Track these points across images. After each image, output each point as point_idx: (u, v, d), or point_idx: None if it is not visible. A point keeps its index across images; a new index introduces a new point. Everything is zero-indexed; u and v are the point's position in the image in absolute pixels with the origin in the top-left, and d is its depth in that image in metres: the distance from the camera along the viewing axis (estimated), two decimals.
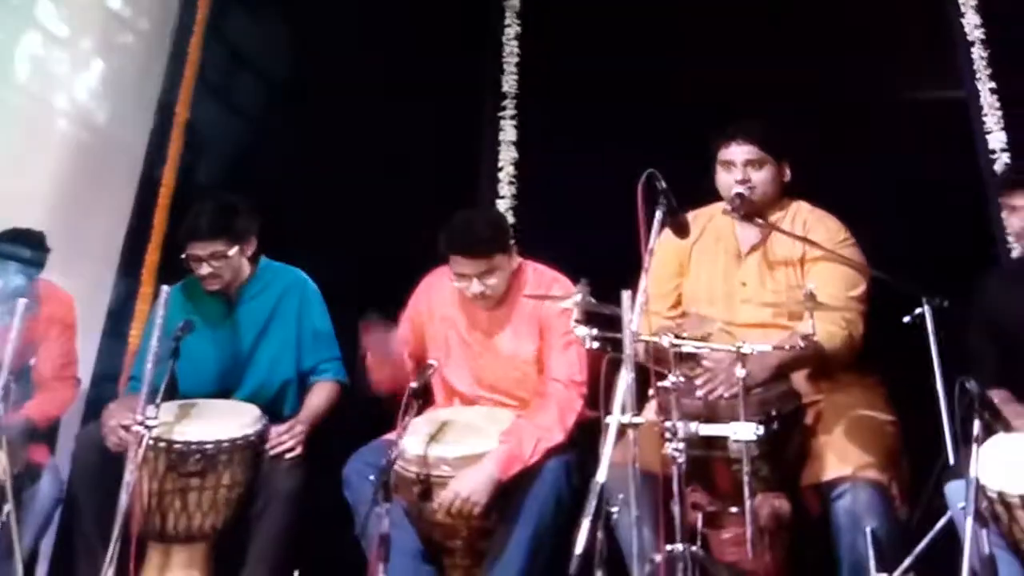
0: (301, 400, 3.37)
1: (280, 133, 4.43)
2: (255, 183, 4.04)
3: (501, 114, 4.51)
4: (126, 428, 2.97)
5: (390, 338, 3.12)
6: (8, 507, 2.99)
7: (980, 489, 2.43)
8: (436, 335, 3.31)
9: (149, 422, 2.81)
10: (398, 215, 4.07)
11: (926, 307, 3.06)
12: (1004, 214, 2.98)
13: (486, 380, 3.25)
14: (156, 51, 4.54)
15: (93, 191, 4.17)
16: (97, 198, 4.19)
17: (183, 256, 3.30)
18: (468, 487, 2.85)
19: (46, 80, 4.19)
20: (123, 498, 2.74)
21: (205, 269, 3.28)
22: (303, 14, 4.68)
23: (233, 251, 3.30)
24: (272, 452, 3.12)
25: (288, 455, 3.14)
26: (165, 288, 3.09)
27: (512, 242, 3.21)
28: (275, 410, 3.33)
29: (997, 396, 2.72)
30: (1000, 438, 2.68)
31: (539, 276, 3.27)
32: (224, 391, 3.35)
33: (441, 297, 3.32)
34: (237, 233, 3.32)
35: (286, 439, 3.15)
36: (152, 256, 4.13)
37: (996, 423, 2.67)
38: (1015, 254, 3.49)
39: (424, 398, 3.04)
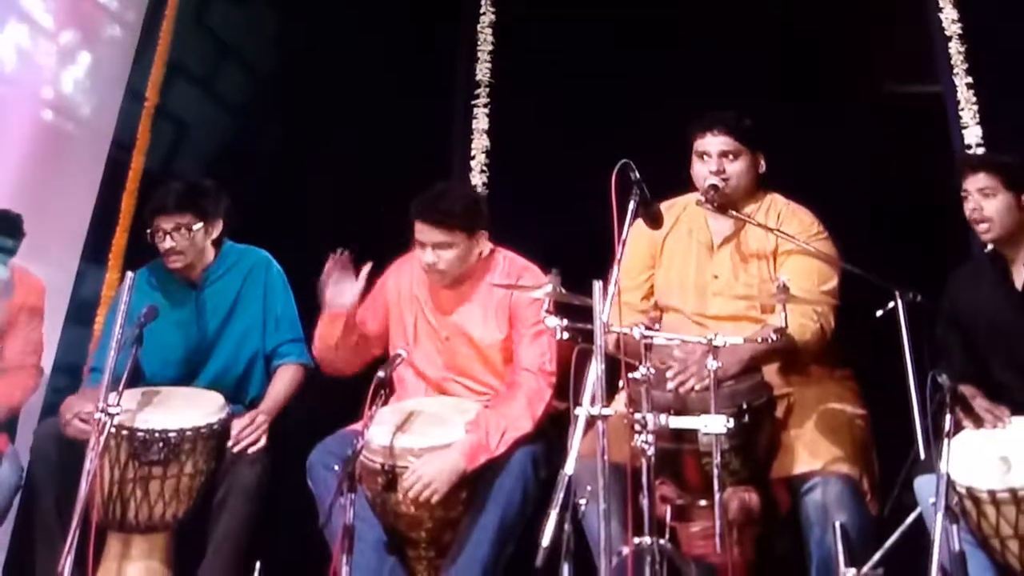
0: (267, 380, 3.33)
1: (258, 121, 4.41)
2: (233, 170, 4.01)
3: (474, 102, 4.49)
4: (84, 420, 2.91)
5: (350, 284, 3.07)
6: None
7: (950, 484, 2.42)
8: (402, 317, 3.28)
9: (111, 410, 2.76)
10: (370, 203, 4.04)
11: (899, 301, 3.06)
12: (964, 201, 2.93)
13: (452, 364, 3.22)
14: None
15: (72, 178, 4.15)
16: (76, 185, 4.16)
17: (148, 231, 3.25)
18: (431, 473, 2.83)
19: (31, 71, 4.17)
20: (83, 487, 2.69)
21: (168, 243, 3.24)
22: (285, 2, 4.66)
23: (198, 227, 3.26)
24: (236, 448, 3.07)
25: (252, 448, 3.09)
26: (129, 274, 3.04)
27: (482, 226, 3.16)
28: (241, 392, 3.31)
29: (967, 391, 2.71)
30: (969, 433, 2.68)
31: (510, 264, 3.24)
32: (189, 373, 3.31)
33: (410, 279, 3.29)
34: (204, 210, 3.28)
35: (248, 432, 3.10)
36: (119, 242, 4.08)
37: (966, 419, 2.67)
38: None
39: (390, 388, 2.99)
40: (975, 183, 2.88)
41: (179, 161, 4.36)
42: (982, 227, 2.90)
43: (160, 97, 4.38)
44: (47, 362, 3.66)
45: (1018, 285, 2.91)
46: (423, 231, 3.09)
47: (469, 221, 3.11)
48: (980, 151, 3.89)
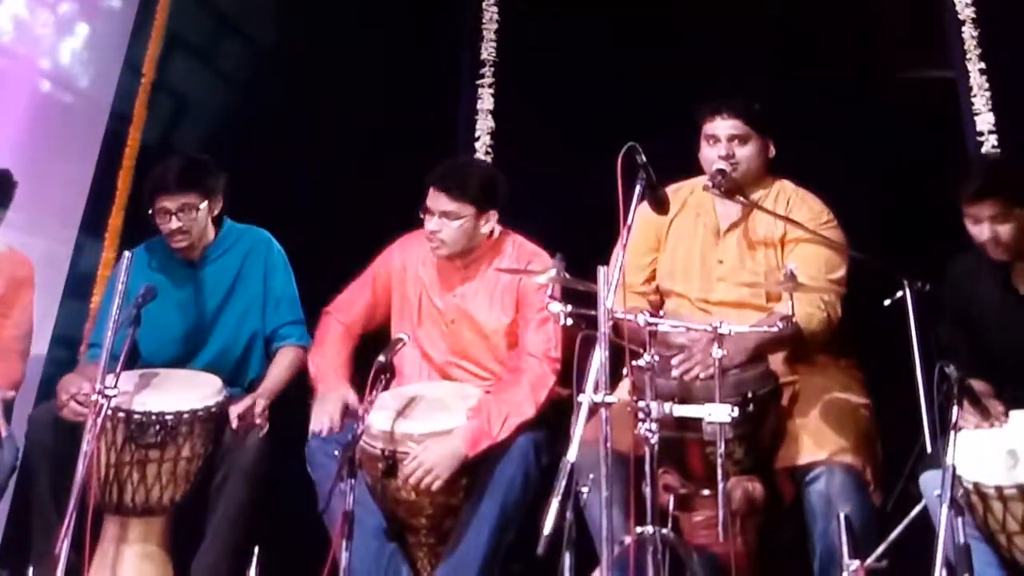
0: (267, 362, 3.31)
1: (260, 99, 4.37)
2: (232, 145, 3.98)
3: (479, 82, 4.43)
4: (81, 402, 2.88)
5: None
6: None
7: (956, 478, 2.40)
8: (406, 296, 3.25)
9: (108, 391, 2.73)
10: (372, 184, 4.00)
11: (907, 290, 3.02)
12: (967, 223, 2.76)
13: (456, 348, 3.19)
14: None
15: (70, 150, 4.12)
16: (75, 156, 4.12)
17: (150, 211, 3.20)
18: (432, 459, 2.80)
19: (29, 42, 4.14)
20: (79, 469, 2.67)
21: (174, 223, 3.19)
22: None
23: (203, 205, 3.22)
24: (235, 429, 3.03)
25: (250, 432, 3.06)
26: (127, 253, 3.01)
27: (493, 206, 3.13)
28: (239, 374, 3.28)
29: (978, 386, 2.67)
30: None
31: (518, 249, 3.21)
32: (188, 354, 3.28)
33: (416, 257, 3.26)
34: (207, 188, 3.24)
35: (247, 416, 3.06)
36: (115, 220, 4.04)
37: (970, 412, 2.63)
38: None
39: (391, 372, 2.96)
40: (986, 210, 2.73)
41: (178, 135, 4.32)
42: (998, 250, 2.76)
43: (158, 71, 4.33)
44: (45, 336, 3.64)
45: (1021, 290, 2.83)
46: (434, 197, 3.07)
47: (481, 197, 3.09)
48: (992, 139, 3.85)
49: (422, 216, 3.11)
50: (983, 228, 2.75)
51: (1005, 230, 2.74)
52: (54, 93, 4.20)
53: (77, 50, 4.30)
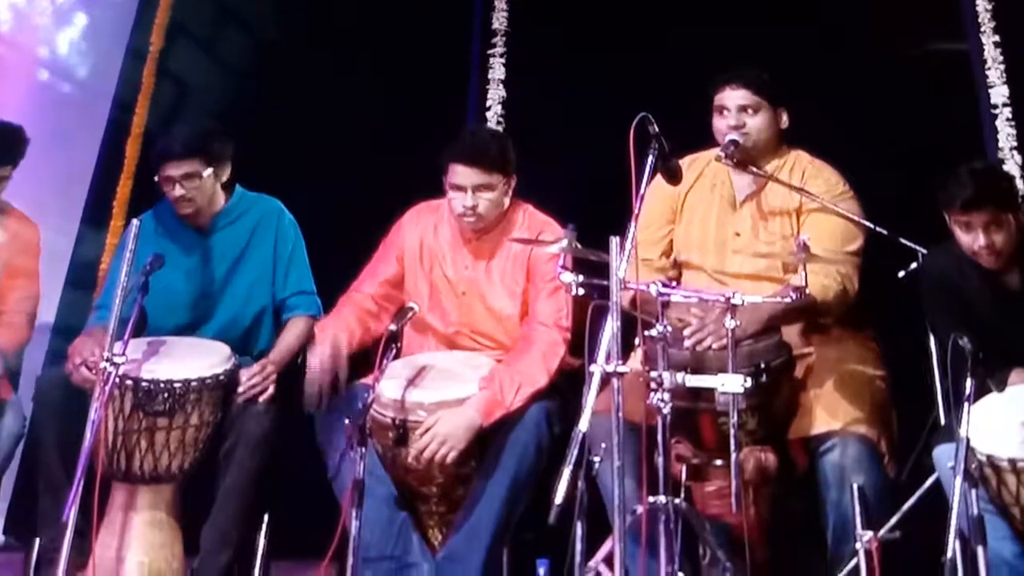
0: (276, 333, 3.29)
1: (265, 77, 4.38)
2: (238, 125, 3.93)
3: (490, 52, 4.40)
4: (90, 368, 2.87)
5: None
6: None
7: (970, 451, 2.39)
8: (416, 267, 3.23)
9: (116, 359, 2.71)
10: (384, 155, 3.98)
11: (922, 262, 3.00)
12: (957, 230, 2.71)
13: (466, 319, 3.17)
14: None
15: (69, 139, 4.12)
16: (74, 146, 4.12)
17: (156, 179, 3.18)
18: (446, 430, 2.78)
19: (27, 31, 4.16)
20: (87, 437, 2.65)
21: (178, 191, 3.17)
22: None
23: (207, 172, 3.19)
24: (243, 396, 3.01)
25: (260, 397, 3.04)
26: (135, 222, 2.99)
27: (513, 171, 3.13)
28: (248, 344, 3.26)
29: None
30: (991, 399, 2.63)
31: (530, 218, 3.20)
32: (196, 322, 3.26)
33: (429, 230, 3.25)
34: (212, 155, 3.21)
35: (257, 380, 3.05)
36: (124, 188, 4.04)
37: (991, 381, 2.61)
38: None
39: (400, 341, 2.96)
40: (980, 218, 2.68)
41: (180, 122, 4.29)
42: (991, 258, 2.71)
43: (162, 56, 4.31)
44: (46, 327, 3.62)
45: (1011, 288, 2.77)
46: (463, 173, 3.05)
47: (504, 162, 3.10)
48: (1007, 111, 3.83)
49: (447, 192, 3.08)
50: (977, 236, 2.69)
51: (1000, 238, 2.69)
52: (52, 82, 4.19)
53: (75, 40, 4.30)
